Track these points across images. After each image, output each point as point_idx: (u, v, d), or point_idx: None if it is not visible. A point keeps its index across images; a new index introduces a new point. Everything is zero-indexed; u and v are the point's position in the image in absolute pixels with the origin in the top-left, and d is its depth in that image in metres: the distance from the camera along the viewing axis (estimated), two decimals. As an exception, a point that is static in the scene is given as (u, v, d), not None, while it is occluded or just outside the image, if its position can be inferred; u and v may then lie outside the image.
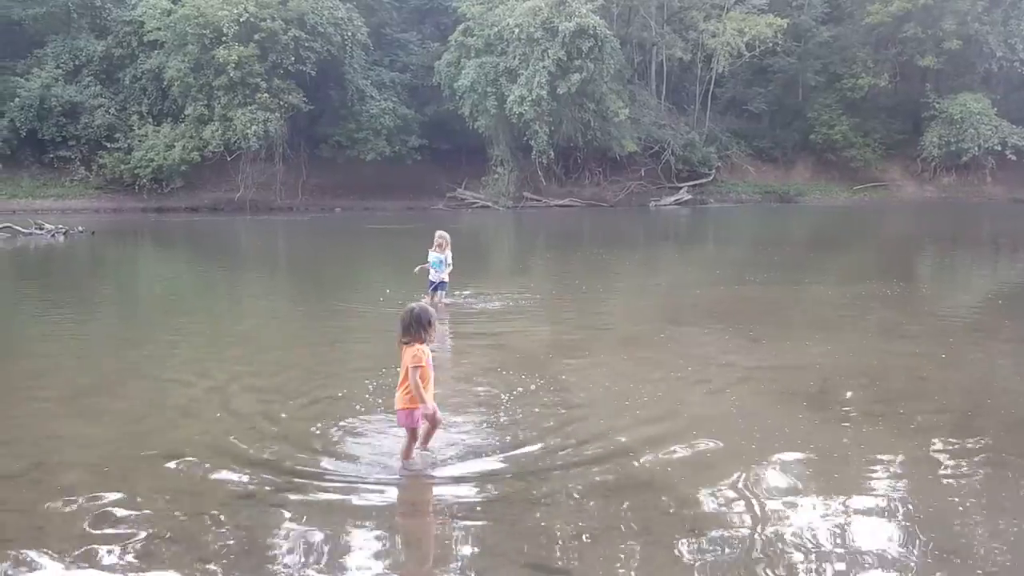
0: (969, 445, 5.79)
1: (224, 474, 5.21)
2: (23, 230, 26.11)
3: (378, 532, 4.47)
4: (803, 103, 50.27)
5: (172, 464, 5.36)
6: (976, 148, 46.03)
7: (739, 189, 48.07)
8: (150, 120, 41.16)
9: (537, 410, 6.57)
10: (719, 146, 48.21)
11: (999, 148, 45.79)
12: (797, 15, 48.85)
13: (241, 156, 39.80)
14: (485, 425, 6.19)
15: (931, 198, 48.05)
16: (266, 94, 38.76)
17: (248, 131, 38.28)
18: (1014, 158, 45.76)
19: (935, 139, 47.47)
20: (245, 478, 5.15)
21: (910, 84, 50.29)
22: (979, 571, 3.97)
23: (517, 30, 39.73)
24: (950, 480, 5.16)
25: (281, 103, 39.40)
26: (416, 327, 5.24)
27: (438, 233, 11.55)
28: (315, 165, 43.15)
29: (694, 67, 47.88)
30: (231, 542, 4.29)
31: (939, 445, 5.77)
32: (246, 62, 38.29)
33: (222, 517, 4.58)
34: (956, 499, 4.82)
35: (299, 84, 40.32)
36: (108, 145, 40.18)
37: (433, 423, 5.38)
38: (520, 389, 7.17)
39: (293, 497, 4.84)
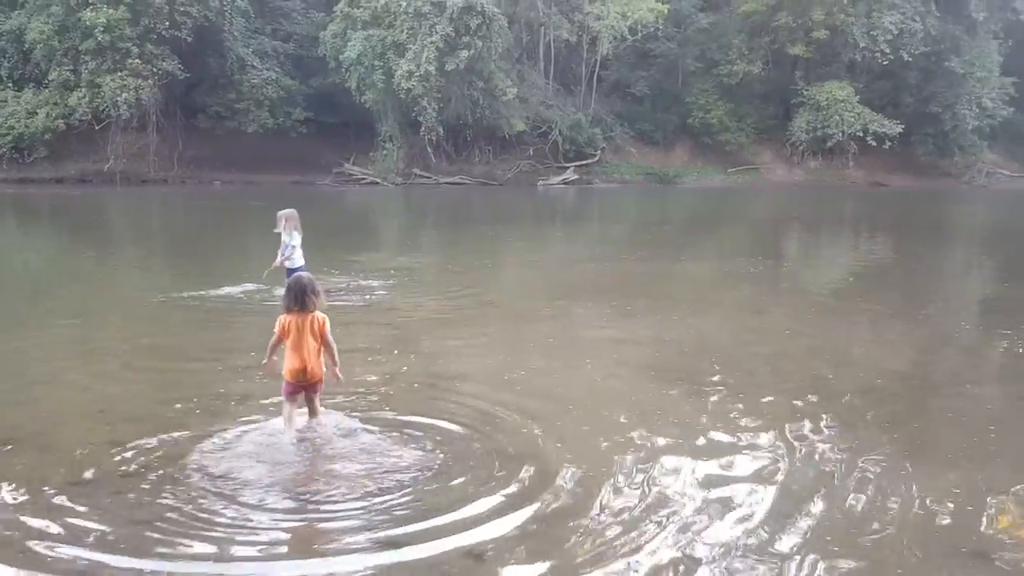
0: (804, 411, 6.38)
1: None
2: None
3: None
4: (682, 88, 51.94)
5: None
6: (840, 134, 48.87)
7: (622, 170, 49.33)
8: (10, 85, 38.53)
9: (416, 386, 6.78)
10: (604, 127, 49.23)
11: (861, 134, 48.77)
12: (678, 1, 50.28)
13: (111, 125, 37.80)
14: (357, 399, 6.33)
15: (799, 181, 50.78)
16: (138, 60, 36.89)
17: (118, 98, 36.42)
18: (874, 144, 48.86)
19: (803, 124, 50.10)
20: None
21: (781, 71, 52.77)
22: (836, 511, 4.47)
23: (405, 3, 39.28)
24: (786, 443, 5.71)
25: (155, 70, 37.59)
26: (296, 295, 5.38)
27: (287, 212, 10.12)
28: (192, 136, 41.43)
29: (580, 49, 48.61)
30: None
31: (778, 412, 6.33)
32: (116, 25, 36.31)
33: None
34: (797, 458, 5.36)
35: (174, 51, 38.54)
36: (-38, 111, 37.37)
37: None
38: (404, 368, 7.34)
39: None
